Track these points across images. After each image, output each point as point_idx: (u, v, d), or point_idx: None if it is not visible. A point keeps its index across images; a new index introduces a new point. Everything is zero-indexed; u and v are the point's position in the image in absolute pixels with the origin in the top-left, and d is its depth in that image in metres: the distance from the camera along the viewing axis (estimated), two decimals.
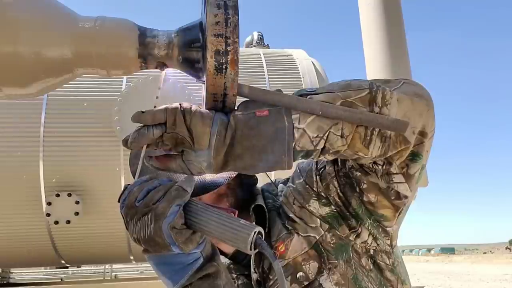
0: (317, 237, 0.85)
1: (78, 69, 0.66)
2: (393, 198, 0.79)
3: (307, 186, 0.88)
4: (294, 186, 0.91)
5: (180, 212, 0.59)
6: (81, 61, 0.65)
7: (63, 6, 0.66)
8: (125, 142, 0.63)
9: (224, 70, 0.60)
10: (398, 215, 0.83)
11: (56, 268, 4.99)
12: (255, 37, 4.23)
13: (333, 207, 0.85)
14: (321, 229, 0.85)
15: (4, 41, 0.60)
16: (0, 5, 0.61)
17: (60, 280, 4.37)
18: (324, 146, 0.65)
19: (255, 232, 0.59)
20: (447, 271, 24.38)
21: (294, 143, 0.63)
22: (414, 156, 0.74)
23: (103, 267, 4.69)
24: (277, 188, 0.99)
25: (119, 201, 0.62)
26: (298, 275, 0.83)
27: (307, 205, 0.87)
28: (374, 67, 3.72)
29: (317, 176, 0.87)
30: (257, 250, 0.59)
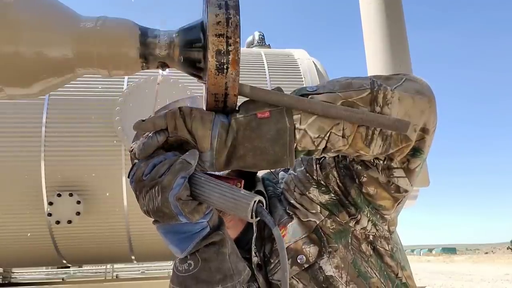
0: (318, 222, 0.87)
1: (79, 69, 0.66)
2: (392, 192, 0.80)
3: (307, 174, 0.90)
4: (295, 173, 0.93)
5: (186, 184, 0.60)
6: (82, 61, 0.65)
7: (64, 6, 0.66)
8: (134, 155, 0.64)
9: (225, 70, 0.60)
10: (397, 205, 0.84)
11: (58, 268, 5.00)
12: (256, 37, 4.22)
13: (332, 195, 0.86)
14: (321, 215, 0.87)
15: (6, 41, 0.60)
16: (1, 5, 0.61)
17: (61, 280, 4.37)
18: (326, 146, 0.66)
19: (255, 201, 0.61)
20: (449, 271, 24.35)
21: (295, 144, 0.63)
22: (415, 152, 0.74)
23: (104, 267, 4.69)
24: (278, 176, 1.01)
25: (128, 177, 0.64)
26: (298, 258, 0.85)
27: (307, 193, 0.89)
28: (375, 66, 3.71)
29: (317, 165, 0.88)
30: (258, 218, 0.61)
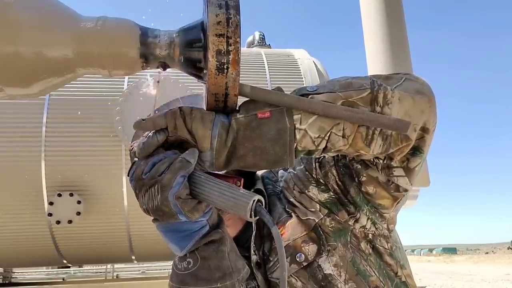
0: (317, 220, 0.87)
1: (79, 69, 0.66)
2: (392, 191, 0.80)
3: (306, 172, 0.90)
4: (295, 172, 0.93)
5: (185, 183, 0.61)
6: (83, 61, 0.65)
7: (64, 6, 0.66)
8: (134, 154, 0.64)
9: (225, 70, 0.60)
10: (396, 204, 0.84)
11: (58, 267, 5.01)
12: (257, 37, 4.23)
13: (331, 194, 0.87)
14: (321, 213, 0.87)
15: (6, 41, 0.60)
16: (1, 5, 0.61)
17: (62, 280, 4.38)
18: (326, 146, 0.66)
19: (254, 200, 0.61)
20: (449, 271, 24.33)
21: (295, 144, 0.63)
22: (415, 151, 0.75)
23: (104, 267, 4.70)
24: (277, 175, 1.01)
25: (128, 175, 0.64)
26: (297, 256, 0.85)
27: (306, 191, 0.89)
28: (375, 66, 3.71)
29: (317, 164, 0.89)
30: (257, 217, 0.61)
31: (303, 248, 0.86)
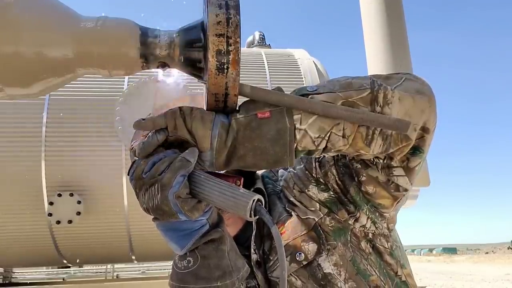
0: (316, 219, 0.87)
1: (79, 69, 0.66)
2: (392, 190, 0.80)
3: (306, 172, 0.90)
4: (295, 171, 0.94)
5: (185, 182, 0.61)
6: (83, 61, 0.65)
7: (64, 6, 0.66)
8: (134, 153, 0.64)
9: (225, 70, 0.60)
10: (396, 204, 0.84)
11: (58, 267, 5.00)
12: (257, 37, 4.23)
13: (331, 193, 0.87)
14: (320, 213, 0.87)
15: (6, 41, 0.60)
16: (1, 5, 0.61)
17: (62, 280, 4.38)
18: (326, 146, 0.66)
19: (254, 200, 0.61)
20: (449, 271, 24.33)
21: (295, 144, 0.64)
22: (415, 151, 0.75)
23: (105, 267, 4.70)
24: (277, 174, 1.01)
25: (128, 174, 0.64)
26: (297, 255, 0.85)
27: (306, 190, 0.89)
28: (375, 65, 3.71)
29: (317, 163, 0.89)
30: (257, 216, 0.62)
31: (303, 247, 0.86)
